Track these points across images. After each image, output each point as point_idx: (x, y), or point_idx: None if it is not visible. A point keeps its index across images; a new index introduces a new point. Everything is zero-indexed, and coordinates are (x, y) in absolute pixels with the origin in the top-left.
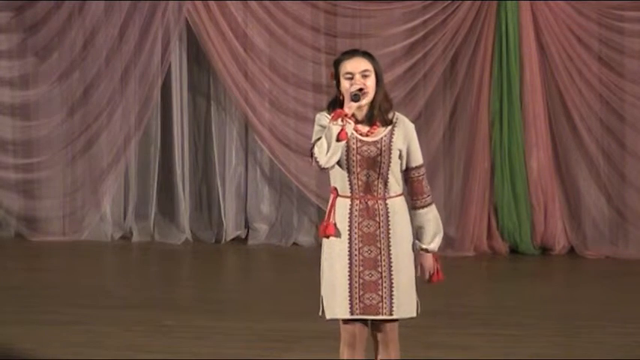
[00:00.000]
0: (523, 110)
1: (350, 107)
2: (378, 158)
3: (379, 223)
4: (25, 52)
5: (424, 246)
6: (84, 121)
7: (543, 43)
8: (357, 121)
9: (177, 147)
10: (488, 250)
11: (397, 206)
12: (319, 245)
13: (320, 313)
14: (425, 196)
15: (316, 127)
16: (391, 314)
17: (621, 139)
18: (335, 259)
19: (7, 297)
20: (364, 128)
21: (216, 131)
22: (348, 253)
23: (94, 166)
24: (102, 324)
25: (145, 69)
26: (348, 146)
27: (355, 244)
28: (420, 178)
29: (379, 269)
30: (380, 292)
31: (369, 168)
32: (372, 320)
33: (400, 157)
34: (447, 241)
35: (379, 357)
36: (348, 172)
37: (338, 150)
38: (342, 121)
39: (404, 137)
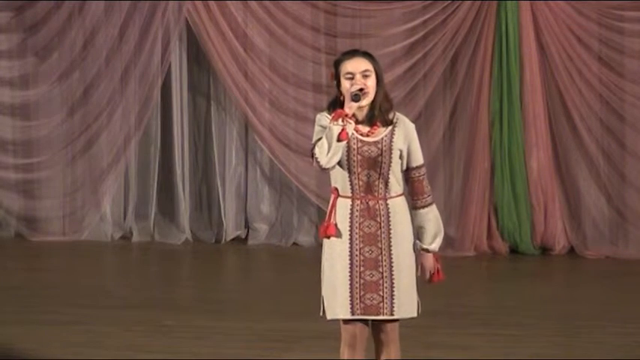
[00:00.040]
0: (523, 110)
1: (350, 107)
2: (379, 158)
3: (380, 224)
4: (25, 52)
5: (425, 246)
6: (84, 121)
7: (543, 43)
8: (357, 122)
9: (177, 147)
10: (488, 250)
11: (398, 206)
12: (319, 245)
13: (321, 314)
14: (425, 196)
15: (317, 128)
16: (392, 314)
17: (621, 139)
18: (336, 260)
19: (7, 297)
20: (365, 128)
21: (216, 131)
22: (348, 253)
23: (94, 166)
24: (102, 324)
25: (145, 69)
26: (348, 146)
27: (356, 244)
28: (421, 178)
29: (380, 269)
30: (381, 293)
31: (369, 168)
32: (373, 320)
33: (401, 157)
34: (447, 241)
35: (380, 357)
36: (349, 172)
37: (339, 150)
38: (343, 121)
39: (404, 137)
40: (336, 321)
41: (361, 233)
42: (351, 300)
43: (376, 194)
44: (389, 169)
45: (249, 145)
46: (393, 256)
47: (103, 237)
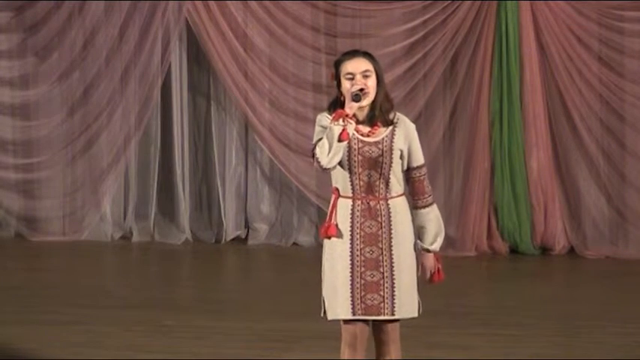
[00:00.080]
0: (523, 110)
1: (351, 107)
2: (380, 159)
3: (381, 224)
4: (25, 52)
5: (426, 246)
6: (84, 121)
7: (543, 43)
8: (358, 122)
9: (177, 147)
10: (489, 250)
11: (399, 206)
12: (319, 245)
13: (322, 314)
14: (426, 195)
15: (317, 128)
16: (393, 314)
17: (621, 139)
18: (336, 260)
19: (7, 297)
20: (365, 129)
21: (216, 131)
22: (349, 253)
23: (94, 166)
24: (102, 324)
25: (145, 69)
26: (349, 147)
27: (357, 244)
28: (422, 178)
29: (381, 269)
30: (382, 293)
31: (370, 168)
32: (374, 320)
33: (401, 157)
34: (448, 241)
35: (380, 357)
36: (350, 172)
37: (340, 150)
38: (344, 121)
39: (405, 137)
40: (336, 321)
41: (362, 233)
42: (352, 300)
43: (377, 194)
44: (390, 169)
45: (249, 145)
46: (393, 257)
47: (103, 237)
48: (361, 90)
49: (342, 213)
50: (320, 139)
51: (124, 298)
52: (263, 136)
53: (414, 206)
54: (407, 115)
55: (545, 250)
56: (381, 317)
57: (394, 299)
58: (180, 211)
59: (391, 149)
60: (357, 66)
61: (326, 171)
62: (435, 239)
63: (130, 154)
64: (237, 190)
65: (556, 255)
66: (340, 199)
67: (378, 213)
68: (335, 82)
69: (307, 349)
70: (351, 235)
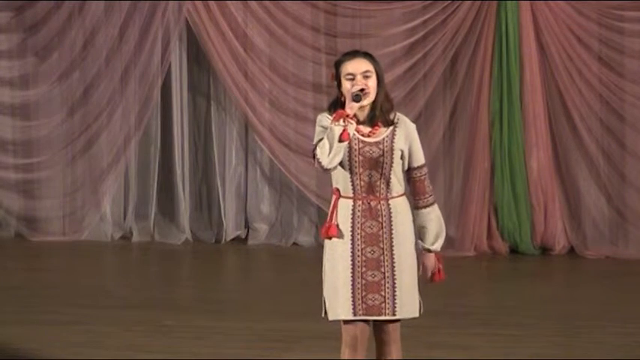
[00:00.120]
0: (523, 110)
1: (351, 108)
2: (380, 159)
3: (382, 224)
4: (25, 52)
5: (427, 246)
6: (84, 121)
7: (543, 43)
8: (358, 122)
9: (177, 147)
10: (488, 250)
11: (399, 206)
12: (319, 245)
13: (322, 315)
14: (427, 195)
15: (318, 129)
16: (394, 314)
17: (621, 139)
18: (337, 260)
19: (7, 297)
20: (366, 129)
21: (216, 131)
22: (350, 253)
23: (94, 166)
24: (102, 324)
25: (145, 69)
26: (350, 147)
27: (358, 244)
28: (422, 177)
29: (382, 269)
30: (383, 293)
31: (371, 168)
32: (375, 320)
33: (402, 157)
34: (447, 241)
35: (381, 357)
36: (351, 172)
37: (340, 151)
38: (344, 121)
39: (405, 137)
40: (337, 321)
41: (363, 234)
42: (353, 300)
43: (378, 194)
44: (390, 170)
45: (249, 145)
46: (394, 257)
47: (103, 237)
48: (362, 90)
49: (343, 213)
50: (321, 140)
51: (124, 298)
52: (263, 136)
53: (415, 206)
54: (407, 115)
55: (545, 250)
56: (382, 317)
57: (395, 299)
58: (180, 211)
59: (392, 149)
60: (357, 66)
61: (327, 171)
62: (436, 239)
63: (130, 154)
64: (237, 190)
65: (556, 255)
66: (341, 200)
67: (379, 213)
68: (335, 83)
69: (307, 349)
70: (352, 236)
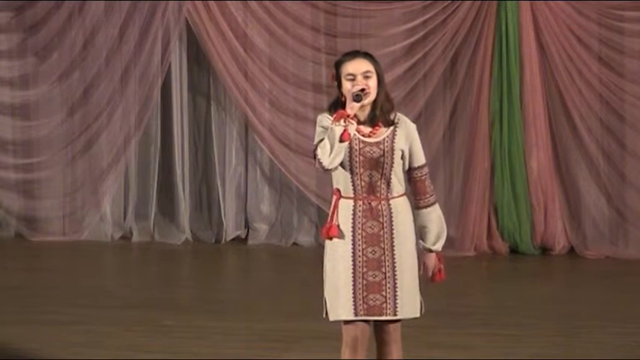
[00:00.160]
0: (523, 110)
1: (352, 108)
2: (381, 159)
3: (383, 224)
4: (25, 52)
5: (428, 246)
6: (84, 121)
7: (543, 43)
8: (359, 122)
9: (177, 147)
10: (488, 250)
11: (400, 206)
12: (319, 245)
13: (324, 315)
14: (428, 195)
15: (318, 129)
16: (395, 315)
17: (621, 139)
18: (338, 261)
19: (7, 297)
20: (366, 129)
21: (216, 131)
22: (351, 254)
23: (94, 166)
24: (102, 324)
25: (145, 69)
26: (350, 147)
27: (359, 245)
28: (423, 177)
29: (383, 270)
30: (384, 293)
31: (371, 169)
32: (375, 320)
33: (402, 157)
34: (447, 241)
35: (381, 357)
36: (351, 173)
37: (341, 151)
38: (345, 122)
39: (406, 137)
40: (338, 322)
41: (364, 234)
42: (354, 301)
43: (378, 195)
44: (391, 170)
45: (249, 145)
46: (395, 257)
47: (103, 237)
48: (362, 90)
49: (344, 214)
50: (321, 140)
51: (124, 298)
52: (263, 136)
53: (416, 206)
54: (407, 115)
55: (545, 250)
56: (384, 318)
57: (396, 299)
58: (180, 211)
59: (392, 149)
60: (357, 67)
61: (327, 172)
62: (437, 239)
63: (130, 154)
64: (237, 190)
65: (556, 255)
66: (342, 200)
67: (380, 213)
68: (335, 83)
69: (307, 349)
70: (353, 236)
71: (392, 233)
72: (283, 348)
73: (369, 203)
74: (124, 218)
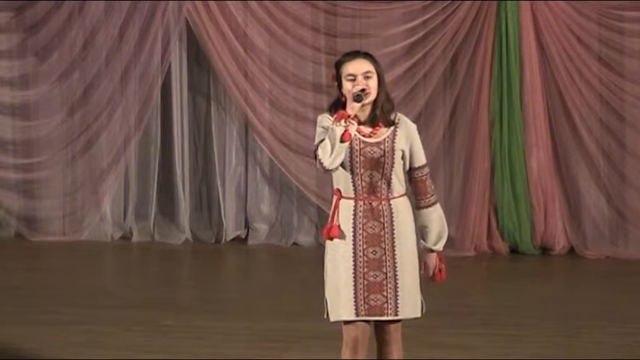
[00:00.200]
0: (523, 110)
1: (353, 108)
2: (382, 159)
3: (383, 224)
4: (25, 52)
5: (429, 246)
6: (84, 121)
7: (543, 43)
8: (359, 123)
9: (177, 147)
10: (488, 250)
11: (401, 206)
12: (319, 245)
13: (324, 316)
14: (429, 195)
15: (319, 129)
16: (396, 315)
17: (621, 139)
18: (339, 261)
19: (7, 297)
20: (367, 129)
21: (216, 131)
22: (352, 254)
23: (94, 166)
24: (102, 324)
25: (145, 69)
26: (351, 147)
27: (360, 245)
28: (424, 177)
29: (384, 270)
30: (385, 293)
31: (372, 169)
32: (376, 320)
33: (403, 157)
34: (448, 241)
35: (382, 357)
36: (352, 173)
37: (342, 151)
38: (346, 122)
39: (406, 138)
40: (338, 322)
41: (365, 234)
42: (355, 301)
43: (379, 195)
44: (391, 170)
45: (249, 145)
46: (396, 257)
47: (103, 237)
48: (363, 90)
49: (345, 214)
50: (322, 140)
51: (124, 298)
52: (263, 136)
53: (417, 206)
54: (407, 115)
55: (545, 250)
56: (385, 318)
57: (397, 299)
58: (180, 211)
59: (393, 150)
60: (358, 67)
61: (328, 172)
62: (438, 239)
63: (130, 154)
64: (237, 190)
65: (556, 255)
66: (342, 200)
67: (381, 213)
68: (336, 84)
69: (307, 349)
70: (354, 236)
71: (393, 233)
72: (283, 348)
73: (370, 203)
74: (124, 218)
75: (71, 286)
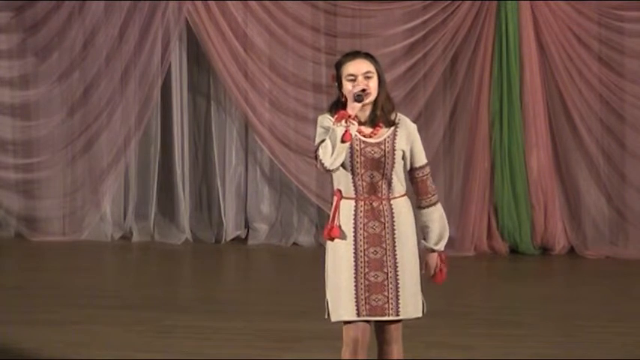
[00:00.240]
0: (523, 110)
1: (353, 108)
2: (382, 159)
3: (384, 224)
4: (25, 52)
5: (430, 246)
6: (84, 121)
7: (543, 43)
8: (360, 123)
9: (177, 147)
10: (488, 250)
11: (401, 206)
12: (319, 245)
13: (326, 316)
14: (430, 195)
15: (319, 130)
16: (398, 315)
17: (621, 139)
18: (340, 261)
19: (7, 297)
20: (367, 130)
21: (216, 131)
22: (353, 254)
23: (94, 166)
24: (102, 324)
25: (145, 69)
26: (351, 148)
27: (361, 245)
28: (424, 177)
29: (385, 270)
30: (386, 293)
31: (373, 169)
32: (377, 320)
33: (403, 157)
34: (448, 241)
35: (382, 356)
36: (352, 173)
37: (343, 152)
38: (347, 122)
39: (407, 138)
40: (339, 322)
41: (365, 234)
42: (356, 301)
43: (380, 195)
44: (392, 170)
45: (249, 145)
46: (397, 257)
47: (103, 237)
48: (363, 90)
49: (345, 214)
50: (323, 141)
51: (124, 298)
52: (263, 136)
53: (418, 206)
54: (407, 115)
55: (545, 250)
56: (386, 318)
57: (399, 299)
58: (180, 211)
59: (393, 150)
60: (358, 67)
61: (329, 172)
62: (439, 239)
63: (130, 154)
64: (237, 190)
65: (556, 255)
66: (343, 201)
67: (381, 214)
68: (336, 84)
69: (307, 349)
70: (355, 236)
71: (393, 233)
72: (283, 348)
73: (371, 203)
74: (124, 218)
75: (71, 286)
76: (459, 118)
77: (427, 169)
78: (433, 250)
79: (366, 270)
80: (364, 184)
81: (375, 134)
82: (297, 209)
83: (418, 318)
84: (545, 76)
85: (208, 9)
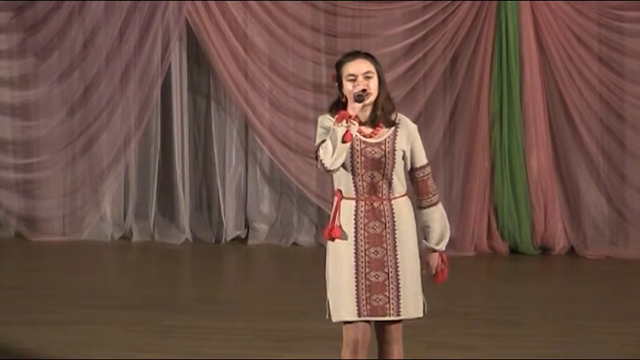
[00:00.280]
0: (523, 110)
1: (354, 108)
2: (383, 159)
3: (385, 224)
4: (25, 52)
5: (431, 245)
6: (84, 121)
7: (543, 43)
8: (360, 123)
9: (177, 147)
10: (489, 250)
11: (402, 207)
12: (319, 245)
13: (326, 317)
14: (430, 195)
15: (319, 130)
16: (399, 315)
17: (621, 139)
18: (341, 262)
19: (7, 297)
20: (367, 130)
21: (216, 131)
22: (354, 254)
23: (94, 166)
24: (102, 324)
25: (145, 69)
26: (352, 148)
27: (361, 245)
28: (425, 177)
29: (385, 270)
30: (387, 293)
31: (373, 169)
32: (377, 320)
33: (404, 157)
34: (448, 241)
35: (382, 356)
36: (353, 173)
37: (343, 152)
38: (347, 122)
39: (407, 138)
40: (339, 322)
41: (366, 234)
42: (357, 301)
43: (380, 195)
44: (392, 170)
45: (249, 145)
46: (398, 257)
47: (103, 237)
48: (364, 91)
49: (346, 214)
50: (323, 141)
51: (124, 298)
52: (263, 136)
53: (419, 206)
54: (407, 115)
55: (545, 250)
56: (387, 318)
57: (399, 300)
58: (180, 211)
59: (394, 150)
60: (358, 67)
61: (329, 172)
62: (440, 239)
63: (130, 154)
64: (237, 190)
65: (556, 255)
66: (343, 201)
67: (382, 214)
68: (336, 84)
69: (307, 349)
70: (356, 237)
71: (394, 233)
72: (283, 348)
73: (371, 204)
74: (124, 218)
75: (71, 286)
76: (459, 118)
77: (428, 169)
78: (434, 250)
79: (367, 270)
80: (365, 184)
81: (375, 134)
82: (297, 209)
83: (419, 318)
84: (545, 76)
85: (208, 9)
